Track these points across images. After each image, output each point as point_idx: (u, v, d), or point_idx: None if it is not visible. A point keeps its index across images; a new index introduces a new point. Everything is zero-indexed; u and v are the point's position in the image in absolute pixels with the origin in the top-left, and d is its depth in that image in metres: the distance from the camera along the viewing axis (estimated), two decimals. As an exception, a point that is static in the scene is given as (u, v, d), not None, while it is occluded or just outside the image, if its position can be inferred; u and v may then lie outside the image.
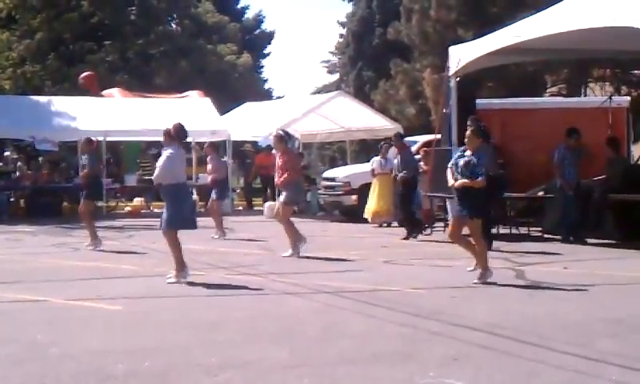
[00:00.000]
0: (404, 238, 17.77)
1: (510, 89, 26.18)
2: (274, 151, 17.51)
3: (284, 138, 15.33)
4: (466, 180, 11.23)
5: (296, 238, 14.59)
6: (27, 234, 19.47)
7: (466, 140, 11.66)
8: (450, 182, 11.52)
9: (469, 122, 14.87)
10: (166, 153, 11.76)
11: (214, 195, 18.63)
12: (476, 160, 11.26)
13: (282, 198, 14.93)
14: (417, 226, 18.19)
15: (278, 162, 15.07)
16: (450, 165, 11.67)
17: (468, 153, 11.43)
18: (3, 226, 20.90)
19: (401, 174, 18.13)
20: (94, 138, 17.19)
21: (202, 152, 22.85)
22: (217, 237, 17.76)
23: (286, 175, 14.74)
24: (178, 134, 11.96)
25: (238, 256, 14.74)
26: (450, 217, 18.65)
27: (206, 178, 19.52)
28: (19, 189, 26.64)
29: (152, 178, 11.96)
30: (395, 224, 20.39)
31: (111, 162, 28.50)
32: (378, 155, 21.67)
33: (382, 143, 22.26)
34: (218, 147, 19.80)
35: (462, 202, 11.35)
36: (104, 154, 26.54)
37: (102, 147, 26.48)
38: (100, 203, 20.03)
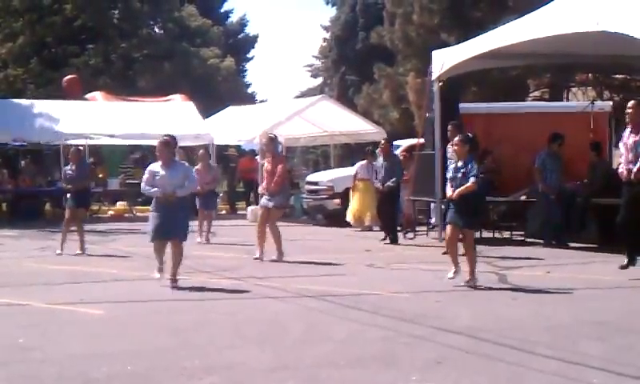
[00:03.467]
0: (383, 239, 17.81)
1: (493, 93, 26.25)
2: (257, 157, 17.35)
3: (275, 141, 15.30)
4: (460, 188, 11.27)
5: (262, 243, 14.65)
6: (9, 237, 19.37)
7: (455, 148, 11.66)
8: (449, 193, 11.52)
9: (449, 128, 14.90)
10: (187, 165, 12.31)
11: (198, 204, 18.21)
12: (468, 166, 11.31)
13: (271, 202, 14.74)
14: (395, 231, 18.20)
15: (267, 166, 14.94)
16: (448, 178, 11.71)
17: (460, 163, 11.47)
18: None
19: (388, 183, 17.84)
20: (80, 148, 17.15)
21: (184, 157, 22.67)
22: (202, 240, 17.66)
23: (277, 181, 14.66)
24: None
25: (221, 260, 14.71)
26: (432, 220, 18.72)
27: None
28: (1, 192, 26.47)
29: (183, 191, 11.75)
30: (377, 228, 20.37)
31: (94, 166, 28.32)
32: (363, 160, 21.52)
33: (369, 148, 22.22)
34: (209, 157, 19.49)
35: (459, 212, 11.35)
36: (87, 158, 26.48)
37: (85, 151, 26.44)
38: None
